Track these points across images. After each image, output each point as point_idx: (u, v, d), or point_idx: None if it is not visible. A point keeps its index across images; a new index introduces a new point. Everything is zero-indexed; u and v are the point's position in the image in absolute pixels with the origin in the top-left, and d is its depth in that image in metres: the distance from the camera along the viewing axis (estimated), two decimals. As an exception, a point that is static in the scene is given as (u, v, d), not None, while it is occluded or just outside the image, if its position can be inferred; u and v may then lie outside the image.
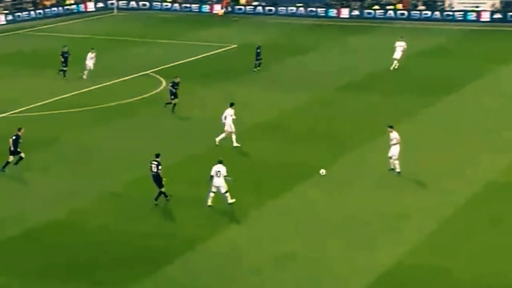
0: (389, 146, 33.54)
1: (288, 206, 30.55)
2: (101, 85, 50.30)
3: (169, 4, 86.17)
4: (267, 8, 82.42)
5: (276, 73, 54.19)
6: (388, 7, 79.22)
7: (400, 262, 25.70)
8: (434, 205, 30.29)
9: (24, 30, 73.60)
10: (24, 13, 79.42)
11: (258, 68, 54.39)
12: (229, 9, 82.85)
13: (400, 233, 27.95)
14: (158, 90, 49.04)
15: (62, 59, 51.71)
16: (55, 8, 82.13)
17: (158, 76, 52.65)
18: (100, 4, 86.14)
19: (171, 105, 43.50)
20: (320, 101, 46.53)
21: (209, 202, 30.19)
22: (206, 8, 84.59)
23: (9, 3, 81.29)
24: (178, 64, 56.58)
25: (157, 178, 30.25)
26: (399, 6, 79.06)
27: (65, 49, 51.93)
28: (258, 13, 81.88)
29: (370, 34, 69.92)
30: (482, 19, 75.41)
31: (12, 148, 33.87)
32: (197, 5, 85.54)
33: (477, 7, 76.53)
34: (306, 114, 43.77)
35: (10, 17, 77.65)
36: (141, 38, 68.63)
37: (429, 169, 34.14)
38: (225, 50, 62.95)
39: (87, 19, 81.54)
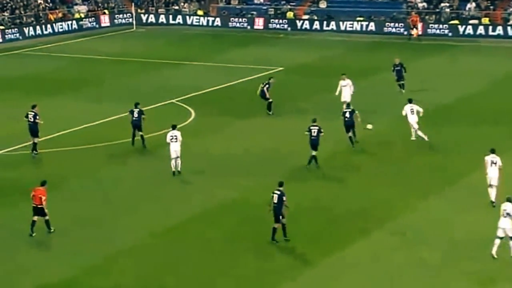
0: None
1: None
2: (118, 116, 48.14)
3: (200, 18, 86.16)
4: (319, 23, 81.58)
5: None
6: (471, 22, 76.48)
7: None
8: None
9: (24, 50, 73.95)
10: (25, 29, 79.76)
11: (403, 90, 52.52)
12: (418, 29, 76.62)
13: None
14: (186, 123, 47.27)
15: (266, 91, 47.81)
16: (62, 23, 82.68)
17: (185, 106, 51.40)
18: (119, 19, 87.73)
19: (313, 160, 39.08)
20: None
21: (494, 252, 28.77)
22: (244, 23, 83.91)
23: (6, 17, 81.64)
24: (211, 90, 55.53)
25: (278, 212, 31.25)
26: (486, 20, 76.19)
27: (272, 81, 48.43)
28: (307, 29, 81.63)
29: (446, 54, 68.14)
30: None
31: None
32: (236, 18, 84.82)
33: None
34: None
35: (9, 35, 78.24)
36: (165, 59, 67.81)
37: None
38: (269, 74, 59.75)
39: (101, 36, 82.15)
